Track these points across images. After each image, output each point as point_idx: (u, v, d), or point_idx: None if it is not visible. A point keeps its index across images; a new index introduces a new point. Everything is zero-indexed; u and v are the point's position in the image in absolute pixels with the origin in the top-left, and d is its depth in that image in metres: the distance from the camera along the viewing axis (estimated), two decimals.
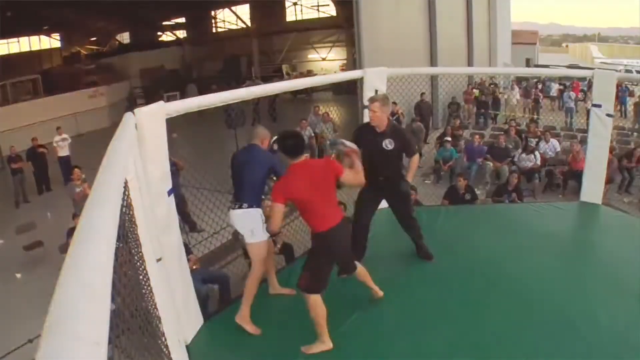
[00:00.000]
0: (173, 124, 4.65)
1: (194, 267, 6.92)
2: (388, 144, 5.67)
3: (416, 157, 5.91)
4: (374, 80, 7.33)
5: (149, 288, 3.26)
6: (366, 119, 7.53)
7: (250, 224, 5.00)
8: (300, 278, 4.59)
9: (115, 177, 2.19)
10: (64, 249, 10.43)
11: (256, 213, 5.01)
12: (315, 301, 4.52)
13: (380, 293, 5.30)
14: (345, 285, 5.34)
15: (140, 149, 4.13)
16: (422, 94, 17.06)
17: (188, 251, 5.48)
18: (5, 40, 32.20)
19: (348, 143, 4.89)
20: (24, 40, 34.73)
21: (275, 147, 4.71)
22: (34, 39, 35.56)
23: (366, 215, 6.05)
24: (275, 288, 5.63)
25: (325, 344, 4.61)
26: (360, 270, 5.08)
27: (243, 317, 5.03)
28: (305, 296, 4.56)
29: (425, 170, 15.27)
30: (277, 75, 31.80)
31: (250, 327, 4.99)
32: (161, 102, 4.53)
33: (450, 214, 7.83)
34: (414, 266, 6.05)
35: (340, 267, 5.00)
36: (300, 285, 4.58)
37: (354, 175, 4.61)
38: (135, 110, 4.20)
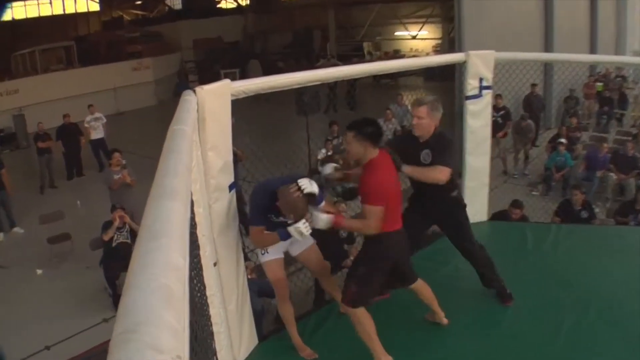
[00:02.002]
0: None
1: (249, 276, 7.02)
2: (426, 157, 5.42)
3: (442, 171, 5.32)
4: (479, 65, 7.28)
5: (204, 298, 3.33)
6: (469, 116, 7.53)
7: None
8: (346, 290, 4.79)
9: (182, 165, 2.25)
10: (96, 244, 10.75)
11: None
12: (362, 315, 4.75)
13: (445, 320, 5.47)
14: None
15: (201, 134, 4.24)
16: (534, 85, 16.78)
17: (245, 257, 5.58)
18: (35, 1, 33.15)
19: (329, 169, 4.98)
20: (57, 1, 35.58)
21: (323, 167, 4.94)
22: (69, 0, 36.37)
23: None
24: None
25: (386, 357, 4.82)
26: (422, 285, 5.26)
27: (295, 344, 5.28)
28: (349, 311, 4.77)
29: (533, 179, 15.02)
30: (357, 55, 31.72)
31: (304, 353, 5.24)
32: (227, 81, 4.63)
33: (562, 234, 7.69)
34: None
35: (397, 276, 5.10)
36: (346, 298, 4.79)
37: None
38: (197, 88, 4.30)
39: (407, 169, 5.24)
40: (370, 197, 4.51)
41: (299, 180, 4.50)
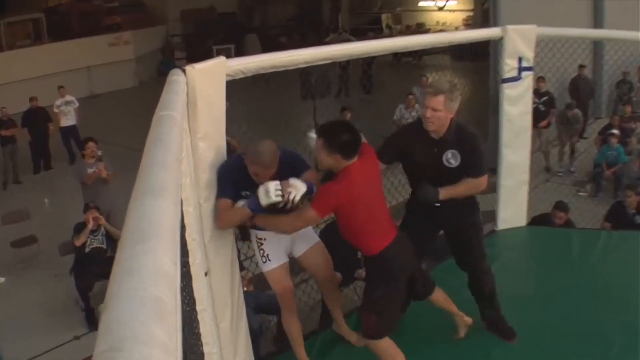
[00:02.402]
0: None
1: (246, 288, 7.04)
2: (451, 159, 5.17)
3: (482, 182, 5.24)
4: (518, 43, 7.26)
5: (194, 313, 3.34)
6: (506, 102, 7.51)
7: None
8: (365, 322, 4.84)
9: (172, 157, 2.25)
10: (66, 249, 10.77)
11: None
12: (388, 346, 4.80)
13: (469, 319, 5.57)
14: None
15: (191, 121, 4.24)
16: (582, 66, 16.72)
17: (240, 266, 5.58)
18: None
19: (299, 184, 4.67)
20: None
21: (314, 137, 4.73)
22: None
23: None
24: (340, 327, 5.74)
25: None
26: (439, 293, 5.37)
27: None
28: (371, 345, 4.82)
29: (580, 177, 14.97)
30: (374, 29, 31.65)
31: None
32: (222, 58, 4.63)
33: (613, 242, 7.71)
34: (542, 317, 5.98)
35: (415, 288, 5.14)
36: (367, 331, 4.83)
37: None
38: (187, 67, 4.30)
39: (443, 194, 5.12)
40: (315, 199, 4.47)
41: (290, 192, 4.50)
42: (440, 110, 5.05)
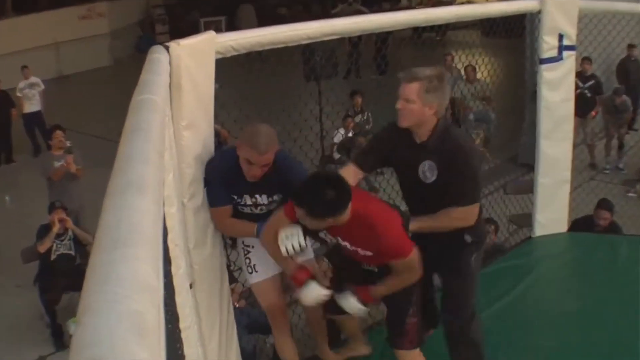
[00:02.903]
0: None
1: (237, 304, 7.04)
2: (427, 172, 4.74)
3: (467, 213, 4.78)
4: (558, 17, 7.27)
5: (177, 332, 3.34)
6: (544, 86, 7.50)
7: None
8: (408, 331, 4.88)
9: (153, 148, 2.25)
10: (29, 256, 10.74)
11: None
12: (419, 353, 4.96)
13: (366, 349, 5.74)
14: None
15: (174, 107, 4.24)
16: (631, 46, 16.67)
17: (231, 278, 5.57)
18: None
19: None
20: None
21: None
22: None
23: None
24: (323, 352, 5.70)
25: None
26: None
27: None
28: (409, 356, 4.94)
29: (630, 175, 14.94)
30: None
31: None
32: (211, 33, 4.63)
33: None
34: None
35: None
36: (411, 341, 4.91)
37: None
38: (171, 43, 4.30)
39: (414, 225, 4.74)
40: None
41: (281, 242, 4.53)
42: (413, 101, 4.59)
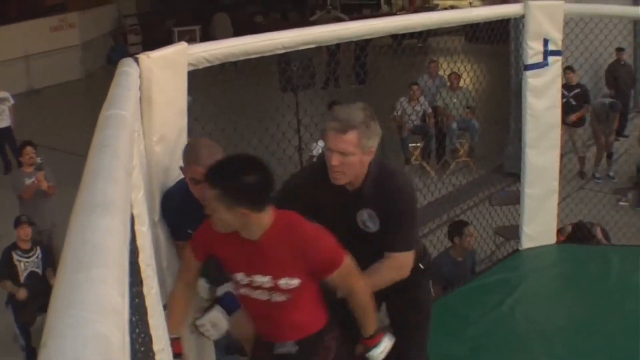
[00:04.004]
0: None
1: None
2: (368, 222, 4.35)
3: (404, 261, 4.41)
4: (542, 21, 7.30)
5: (150, 354, 3.34)
6: (530, 93, 7.53)
7: None
8: None
9: (120, 166, 2.26)
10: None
11: None
12: None
13: None
14: None
15: (144, 122, 4.23)
16: (619, 49, 16.77)
17: None
18: None
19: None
20: None
21: None
22: None
23: None
24: None
25: None
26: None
27: None
28: None
29: (621, 183, 14.98)
30: (370, 4, 31.67)
31: None
32: (183, 44, 4.64)
33: None
34: None
35: None
36: None
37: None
38: (140, 55, 4.30)
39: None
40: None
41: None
42: (352, 153, 4.06)
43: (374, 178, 4.25)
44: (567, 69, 13.61)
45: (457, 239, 9.18)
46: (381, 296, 4.39)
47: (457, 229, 9.39)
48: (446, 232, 9.74)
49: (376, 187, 4.24)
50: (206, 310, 4.53)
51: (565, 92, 12.61)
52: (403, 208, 4.34)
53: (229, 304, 4.49)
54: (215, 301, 4.60)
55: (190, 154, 4.32)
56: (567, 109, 12.24)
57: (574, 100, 14.97)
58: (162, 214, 4.56)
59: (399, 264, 4.34)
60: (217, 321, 4.48)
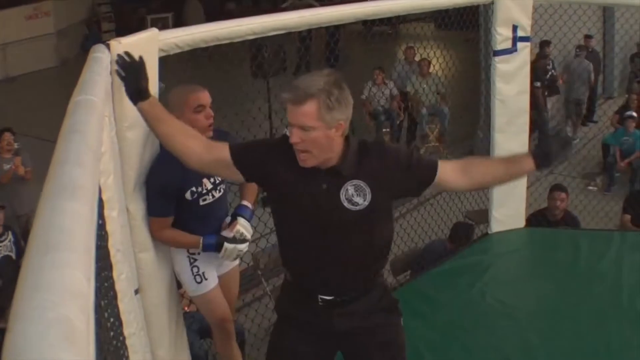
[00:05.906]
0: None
1: (187, 308, 7.01)
2: (355, 197, 3.67)
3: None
4: (511, 8, 7.30)
5: (121, 338, 3.34)
6: (499, 79, 7.54)
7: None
8: None
9: (88, 151, 2.25)
10: None
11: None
12: None
13: None
14: None
15: (116, 107, 4.21)
16: (587, 37, 16.82)
17: (179, 282, 5.52)
18: None
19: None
20: None
21: None
22: None
23: None
24: None
25: None
26: None
27: None
28: None
29: (590, 169, 15.02)
30: None
31: None
32: (154, 30, 4.62)
33: (629, 244, 7.70)
34: None
35: None
36: None
37: None
38: (112, 41, 4.29)
39: None
40: None
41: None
42: (313, 128, 3.48)
43: (355, 151, 3.69)
44: (543, 43, 13.81)
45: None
46: (347, 339, 4.00)
47: (464, 232, 8.87)
48: (421, 220, 9.36)
49: (361, 158, 3.69)
50: (230, 224, 4.83)
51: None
52: (407, 152, 3.95)
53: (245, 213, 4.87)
54: (233, 216, 4.85)
55: (180, 92, 4.60)
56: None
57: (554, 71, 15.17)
58: (147, 187, 4.54)
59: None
60: (246, 225, 4.76)
